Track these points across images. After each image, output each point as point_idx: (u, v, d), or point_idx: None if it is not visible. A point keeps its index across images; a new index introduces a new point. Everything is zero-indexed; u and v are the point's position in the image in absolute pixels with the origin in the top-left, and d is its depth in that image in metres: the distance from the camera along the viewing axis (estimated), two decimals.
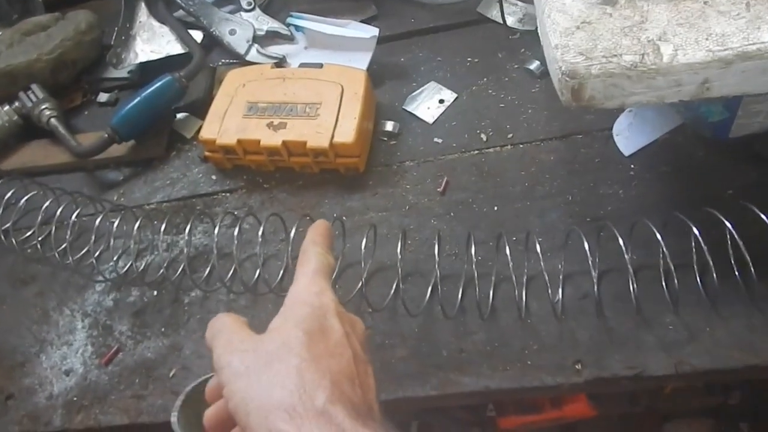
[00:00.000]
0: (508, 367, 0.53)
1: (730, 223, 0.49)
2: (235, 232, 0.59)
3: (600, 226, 0.55)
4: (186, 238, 0.63)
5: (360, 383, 0.38)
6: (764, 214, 0.49)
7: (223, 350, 0.39)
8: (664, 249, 0.51)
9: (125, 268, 0.65)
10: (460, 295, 0.57)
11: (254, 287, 0.62)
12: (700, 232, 0.50)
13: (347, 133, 0.64)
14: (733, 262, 0.51)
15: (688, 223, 0.51)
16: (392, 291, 0.57)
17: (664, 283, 0.54)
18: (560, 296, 0.55)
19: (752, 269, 0.48)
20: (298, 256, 0.47)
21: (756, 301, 0.50)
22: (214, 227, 0.61)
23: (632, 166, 0.62)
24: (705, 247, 0.49)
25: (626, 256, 0.51)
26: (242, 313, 0.60)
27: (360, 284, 0.56)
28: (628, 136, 0.63)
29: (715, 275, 0.49)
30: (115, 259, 0.66)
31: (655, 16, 0.49)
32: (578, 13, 0.51)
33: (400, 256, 0.55)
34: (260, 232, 0.58)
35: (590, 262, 0.53)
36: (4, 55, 0.76)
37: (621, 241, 0.51)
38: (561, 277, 0.56)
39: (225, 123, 0.68)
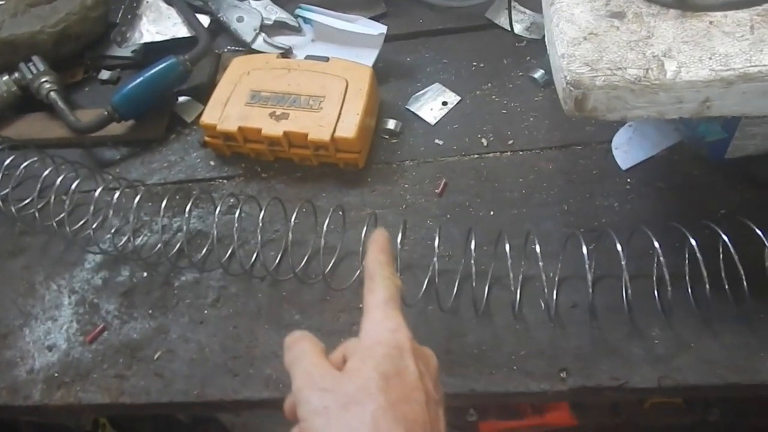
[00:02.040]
0: (495, 371, 0.54)
1: (727, 238, 0.50)
2: (237, 214, 0.59)
3: (595, 236, 0.56)
4: (186, 216, 0.63)
5: (431, 429, 0.38)
6: (760, 231, 0.50)
7: (303, 384, 0.40)
8: (662, 258, 0.51)
9: (122, 243, 0.65)
10: (455, 292, 0.57)
11: (251, 270, 0.61)
12: (697, 243, 0.50)
13: (349, 128, 0.65)
14: (724, 277, 0.52)
15: (686, 233, 0.51)
16: None
17: (656, 293, 0.54)
18: (554, 302, 0.56)
19: (745, 286, 0.49)
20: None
21: (747, 318, 0.51)
22: (215, 209, 0.61)
23: (629, 180, 0.62)
24: (701, 259, 0.50)
25: (623, 263, 0.52)
26: (233, 301, 0.61)
27: (357, 274, 0.56)
28: (627, 151, 0.64)
29: (708, 288, 0.50)
30: (112, 232, 0.65)
31: (661, 33, 0.50)
32: (586, 24, 0.52)
33: (399, 246, 0.55)
34: (261, 216, 0.58)
35: (587, 267, 0.53)
36: (7, 24, 0.76)
37: (620, 248, 0.51)
38: (556, 282, 0.57)
39: (227, 109, 0.68)
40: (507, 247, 0.55)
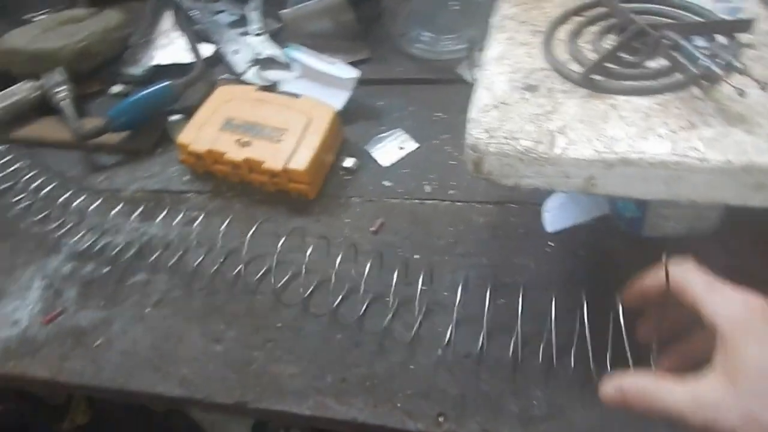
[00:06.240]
0: (378, 405, 0.57)
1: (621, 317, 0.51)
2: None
3: (508, 291, 0.59)
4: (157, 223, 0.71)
5: None
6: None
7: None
8: (553, 325, 0.54)
9: (88, 243, 0.73)
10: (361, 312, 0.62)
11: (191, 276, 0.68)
12: (588, 318, 0.52)
13: (301, 161, 0.70)
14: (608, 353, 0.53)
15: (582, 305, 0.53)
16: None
17: (540, 357, 0.57)
18: (450, 349, 0.59)
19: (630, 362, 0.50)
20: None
21: None
22: (172, 222, 0.69)
23: (551, 243, 0.64)
24: (588, 335, 0.52)
25: (518, 322, 0.54)
26: (172, 304, 0.67)
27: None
28: (556, 215, 0.66)
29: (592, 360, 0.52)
30: (81, 234, 0.74)
31: (565, 109, 0.53)
32: (501, 93, 0.55)
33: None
34: (222, 228, 0.67)
35: (484, 320, 0.56)
36: (39, 38, 0.87)
37: (519, 308, 0.54)
38: (451, 331, 0.60)
39: (201, 132, 0.75)
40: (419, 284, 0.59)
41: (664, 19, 0.59)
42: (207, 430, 1.05)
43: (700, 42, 0.55)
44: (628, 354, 0.49)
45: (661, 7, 0.60)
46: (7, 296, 0.71)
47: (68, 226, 0.75)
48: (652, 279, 0.48)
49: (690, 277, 0.44)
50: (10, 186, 0.78)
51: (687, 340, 0.48)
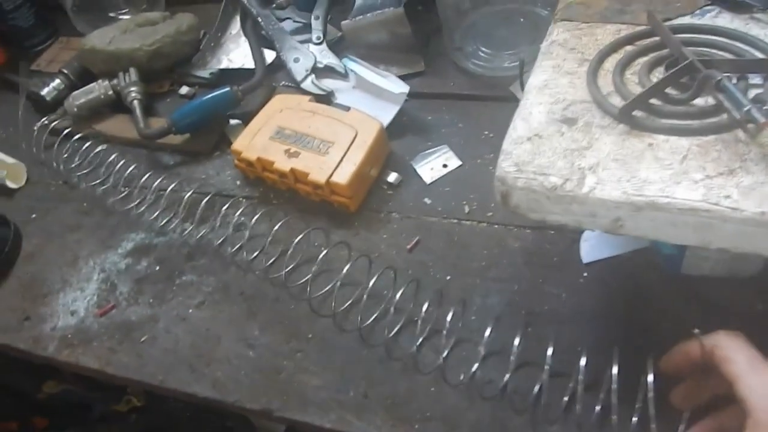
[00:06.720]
0: (397, 425, 0.58)
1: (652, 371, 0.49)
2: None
3: (529, 321, 0.58)
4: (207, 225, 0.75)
5: None
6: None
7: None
8: (581, 370, 0.52)
9: (144, 241, 0.78)
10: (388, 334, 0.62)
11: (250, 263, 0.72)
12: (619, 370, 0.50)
13: (344, 175, 0.72)
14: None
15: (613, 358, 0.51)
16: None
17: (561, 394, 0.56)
18: (471, 372, 0.59)
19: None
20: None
21: None
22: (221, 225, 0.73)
23: (585, 274, 0.63)
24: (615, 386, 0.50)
25: (546, 366, 0.53)
26: (213, 307, 0.70)
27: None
28: (593, 245, 0.64)
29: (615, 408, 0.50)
30: (155, 215, 0.78)
31: (600, 146, 0.51)
32: (537, 125, 0.54)
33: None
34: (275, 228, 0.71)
35: (512, 355, 0.55)
36: (117, 39, 0.92)
37: (550, 351, 0.53)
38: (481, 354, 0.59)
39: (254, 140, 0.78)
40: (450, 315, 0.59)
41: (722, 53, 0.55)
42: (252, 418, 1.10)
43: (756, 79, 0.52)
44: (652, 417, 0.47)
45: (721, 39, 0.57)
46: (69, 286, 0.77)
47: (128, 223, 0.80)
48: (697, 347, 0.46)
49: (733, 352, 0.43)
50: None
51: (717, 414, 0.46)
